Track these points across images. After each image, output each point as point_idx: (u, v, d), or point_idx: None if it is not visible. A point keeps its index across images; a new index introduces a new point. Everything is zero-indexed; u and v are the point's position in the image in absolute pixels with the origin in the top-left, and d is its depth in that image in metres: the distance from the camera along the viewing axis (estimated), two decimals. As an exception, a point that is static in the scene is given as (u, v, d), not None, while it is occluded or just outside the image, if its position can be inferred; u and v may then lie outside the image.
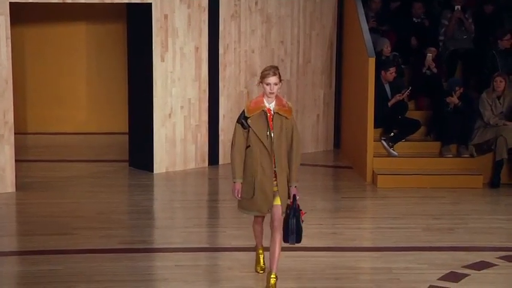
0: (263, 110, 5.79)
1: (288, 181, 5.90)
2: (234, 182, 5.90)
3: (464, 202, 8.94)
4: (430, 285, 6.18)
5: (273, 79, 5.78)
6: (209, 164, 10.57)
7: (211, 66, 10.39)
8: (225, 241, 7.41)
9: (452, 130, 9.92)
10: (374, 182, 9.69)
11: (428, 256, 6.92)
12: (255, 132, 5.79)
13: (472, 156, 9.92)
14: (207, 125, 10.49)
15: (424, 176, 9.63)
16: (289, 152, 5.89)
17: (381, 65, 10.14)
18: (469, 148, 9.95)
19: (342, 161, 11.09)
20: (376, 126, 9.88)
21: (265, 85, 5.80)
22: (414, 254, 6.97)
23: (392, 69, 10.16)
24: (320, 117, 11.65)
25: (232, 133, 5.97)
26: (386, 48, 10.68)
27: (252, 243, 6.56)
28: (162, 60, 9.99)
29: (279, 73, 5.84)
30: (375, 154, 9.87)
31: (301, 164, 6.06)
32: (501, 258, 6.87)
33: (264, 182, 5.83)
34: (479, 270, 6.56)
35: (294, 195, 5.87)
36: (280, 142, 5.82)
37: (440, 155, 10.05)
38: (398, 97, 10.06)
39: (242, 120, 5.84)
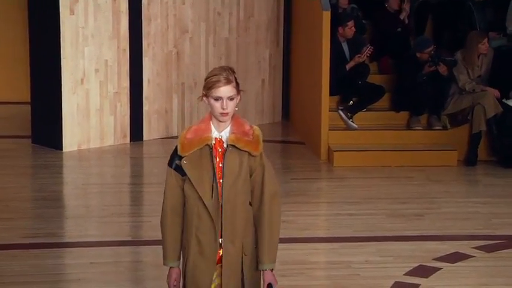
0: (207, 145, 4.14)
1: (258, 262, 4.21)
2: (170, 267, 4.27)
3: (436, 183, 9.10)
4: (396, 282, 6.28)
5: (225, 90, 4.08)
6: (131, 140, 10.54)
7: (132, 20, 10.32)
8: (150, 233, 7.41)
9: (425, 98, 9.98)
10: (330, 159, 9.80)
11: (393, 247, 7.04)
12: (191, 182, 4.15)
13: (445, 128, 10.09)
14: (129, 92, 10.44)
15: (388, 152, 9.77)
16: (258, 213, 4.19)
17: (338, 19, 10.22)
18: (441, 119, 10.09)
19: (292, 136, 11.17)
20: (332, 93, 9.97)
21: (213, 100, 4.10)
22: (377, 245, 7.08)
23: (351, 23, 10.24)
24: (265, 83, 11.69)
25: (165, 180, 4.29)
26: (343, -1, 10.77)
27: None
28: (72, 13, 9.88)
29: (235, 79, 4.13)
30: (331, 127, 9.96)
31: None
32: (478, 248, 7.02)
33: (199, 267, 4.18)
34: (452, 262, 6.69)
35: (270, 285, 4.23)
36: (234, 196, 4.14)
37: (408, 127, 10.19)
38: (357, 58, 10.16)
39: (176, 161, 4.20)
